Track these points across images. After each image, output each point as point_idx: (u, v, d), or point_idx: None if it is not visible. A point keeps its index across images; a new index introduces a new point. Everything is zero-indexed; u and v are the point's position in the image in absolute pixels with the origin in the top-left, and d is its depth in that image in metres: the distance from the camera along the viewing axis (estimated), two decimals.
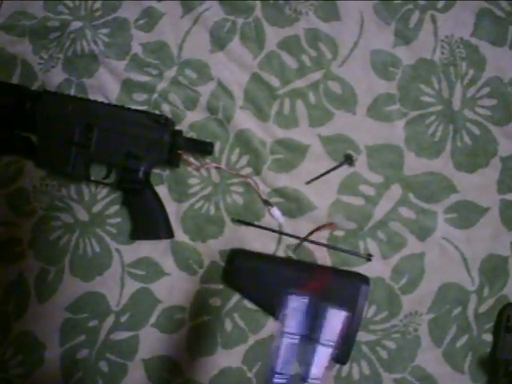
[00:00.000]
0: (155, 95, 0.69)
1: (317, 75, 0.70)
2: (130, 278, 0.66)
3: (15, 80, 0.69)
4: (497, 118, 0.68)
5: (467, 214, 0.67)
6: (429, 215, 0.67)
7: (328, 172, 0.67)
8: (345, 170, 0.67)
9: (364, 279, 0.64)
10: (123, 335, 0.66)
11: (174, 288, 0.66)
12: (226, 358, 0.65)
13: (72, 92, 0.69)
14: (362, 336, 0.66)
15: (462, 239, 0.67)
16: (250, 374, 0.65)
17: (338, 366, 0.65)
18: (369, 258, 0.66)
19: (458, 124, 0.68)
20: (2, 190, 0.67)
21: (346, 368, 0.66)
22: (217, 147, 0.68)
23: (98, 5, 0.72)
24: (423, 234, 0.67)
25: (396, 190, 0.67)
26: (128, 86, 0.69)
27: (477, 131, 0.68)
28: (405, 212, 0.67)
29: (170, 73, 0.69)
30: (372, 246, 0.67)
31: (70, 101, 0.66)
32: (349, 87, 0.69)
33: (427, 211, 0.67)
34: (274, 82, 0.69)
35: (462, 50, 0.69)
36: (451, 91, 0.69)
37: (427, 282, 0.66)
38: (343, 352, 0.62)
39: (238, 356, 0.65)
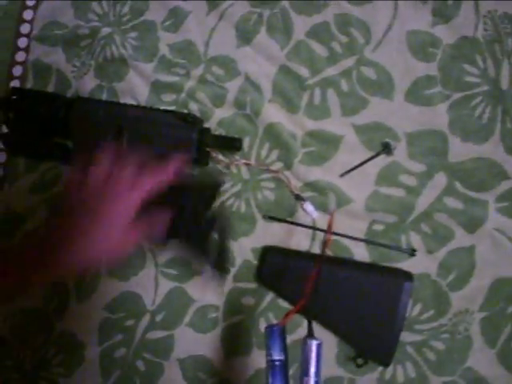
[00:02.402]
0: (183, 94, 0.68)
1: (349, 62, 0.66)
2: (163, 278, 0.66)
3: (50, 88, 0.72)
4: None
5: None
6: (478, 205, 0.62)
7: (364, 163, 0.64)
8: (383, 160, 0.64)
9: (407, 276, 0.60)
10: (159, 334, 0.66)
11: (207, 287, 0.66)
12: (262, 359, 0.64)
13: (104, 97, 0.72)
14: (406, 336, 0.61)
15: None
16: None
17: (380, 368, 0.62)
18: (412, 252, 0.62)
19: (507, 104, 0.63)
20: (42, 195, 0.72)
21: (389, 370, 0.62)
22: (246, 143, 0.66)
23: (125, 9, 0.73)
24: (472, 225, 0.62)
25: (441, 179, 0.63)
26: (156, 87, 0.69)
27: None
28: (451, 202, 0.62)
29: (197, 71, 0.69)
30: (415, 240, 0.63)
31: (100, 105, 0.68)
32: (384, 72, 0.65)
33: (476, 200, 0.62)
34: (304, 72, 0.67)
35: (506, 25, 0.64)
36: (498, 69, 0.63)
37: (478, 277, 0.61)
38: (385, 353, 0.59)
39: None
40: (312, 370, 0.46)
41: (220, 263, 0.60)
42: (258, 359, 0.64)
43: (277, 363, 0.47)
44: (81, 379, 0.67)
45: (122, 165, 0.49)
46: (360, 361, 0.61)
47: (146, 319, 0.67)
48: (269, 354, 0.47)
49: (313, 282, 0.55)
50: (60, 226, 0.46)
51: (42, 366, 0.67)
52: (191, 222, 0.56)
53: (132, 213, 0.47)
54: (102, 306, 0.68)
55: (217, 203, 0.63)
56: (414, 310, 0.62)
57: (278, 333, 0.48)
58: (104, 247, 0.46)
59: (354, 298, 0.61)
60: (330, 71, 0.68)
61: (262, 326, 0.65)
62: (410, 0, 0.67)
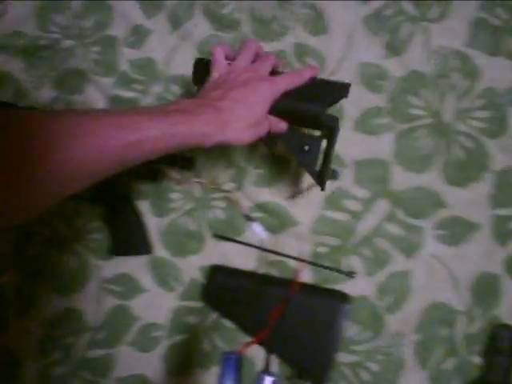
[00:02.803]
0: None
1: None
2: (106, 295, 0.66)
3: (8, 98, 0.71)
4: (491, 130, 0.65)
5: (457, 231, 0.64)
6: (416, 231, 0.65)
7: (311, 187, 0.66)
8: (330, 185, 0.66)
9: (345, 298, 0.62)
10: (99, 353, 0.65)
11: (151, 305, 0.66)
12: (205, 379, 0.64)
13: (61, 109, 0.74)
14: (343, 357, 0.63)
15: (452, 256, 0.64)
16: None
17: None
18: (352, 275, 0.64)
19: (449, 137, 0.66)
20: None
21: None
22: (199, 161, 0.67)
23: (88, 24, 0.76)
24: (410, 250, 0.65)
25: (383, 206, 0.65)
26: (115, 102, 0.69)
27: (469, 144, 0.65)
28: (391, 228, 0.65)
29: (156, 88, 0.70)
30: (356, 263, 0.65)
31: None
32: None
33: (415, 227, 0.65)
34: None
35: (455, 60, 0.68)
36: (442, 103, 0.67)
37: (414, 301, 0.63)
38: (320, 374, 0.60)
39: (217, 376, 0.66)
40: None
41: (321, 176, 0.58)
42: (200, 379, 0.65)
43: None
44: None
45: (258, 63, 0.53)
46: (297, 381, 0.62)
47: (86, 337, 0.67)
48: (220, 383, 0.45)
49: (278, 314, 0.55)
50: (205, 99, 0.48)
51: None
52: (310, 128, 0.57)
53: (266, 106, 0.50)
54: (41, 321, 0.67)
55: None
56: (351, 330, 0.64)
57: (234, 362, 0.45)
58: (242, 125, 0.48)
59: (294, 319, 0.63)
60: None
61: (207, 345, 0.66)
62: (364, 32, 0.70)
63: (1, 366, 0.66)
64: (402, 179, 0.67)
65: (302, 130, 0.60)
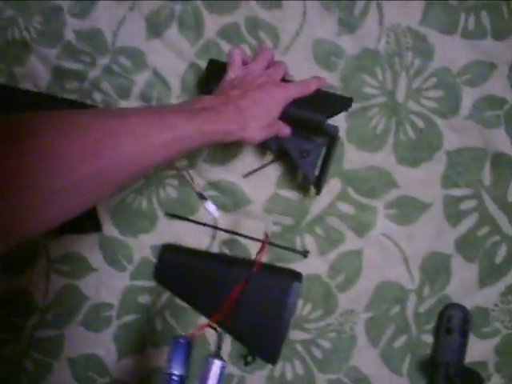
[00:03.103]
0: (86, 83, 0.65)
1: None
2: (55, 274, 0.63)
3: None
4: (443, 110, 0.65)
5: (408, 210, 0.64)
6: (368, 211, 0.64)
7: (266, 165, 0.64)
8: (284, 164, 0.65)
9: (296, 276, 0.62)
10: (48, 333, 0.63)
11: (101, 284, 0.63)
12: (156, 358, 0.62)
13: (2, 81, 0.68)
14: (296, 335, 0.63)
15: (403, 236, 0.64)
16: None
17: (270, 365, 0.63)
18: (305, 254, 0.63)
19: (401, 116, 0.65)
20: None
21: (278, 368, 0.63)
22: None
23: None
24: (362, 229, 0.64)
25: (335, 185, 0.64)
26: (59, 73, 0.65)
27: (421, 124, 0.65)
28: (343, 207, 0.64)
29: (103, 60, 0.65)
30: (309, 242, 0.64)
31: None
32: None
33: (367, 206, 0.64)
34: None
35: (408, 39, 0.66)
36: (395, 82, 0.65)
37: (365, 279, 0.64)
38: (272, 351, 0.60)
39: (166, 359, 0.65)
40: None
41: (319, 181, 0.60)
42: (152, 359, 0.63)
43: (175, 378, 0.43)
44: None
45: (272, 70, 0.56)
46: (249, 359, 0.62)
47: (35, 317, 0.64)
48: (169, 367, 0.43)
49: (234, 298, 0.53)
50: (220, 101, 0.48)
51: None
52: (311, 135, 0.60)
53: (279, 109, 0.53)
54: None
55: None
56: (304, 309, 0.64)
57: (183, 346, 0.44)
58: (259, 125, 0.50)
59: (247, 297, 0.62)
60: None
61: (158, 325, 0.64)
62: (318, 8, 0.68)
63: None
64: (354, 158, 0.66)
65: (304, 136, 0.61)
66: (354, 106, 0.66)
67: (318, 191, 0.61)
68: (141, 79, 0.67)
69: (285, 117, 0.55)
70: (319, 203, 0.65)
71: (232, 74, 0.54)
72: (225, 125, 0.46)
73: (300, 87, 0.56)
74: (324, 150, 0.61)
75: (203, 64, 0.67)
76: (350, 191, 0.65)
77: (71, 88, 0.67)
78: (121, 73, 0.67)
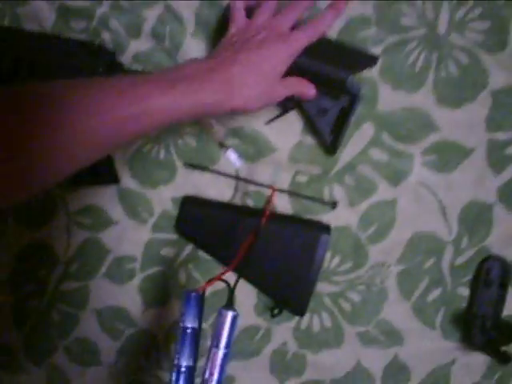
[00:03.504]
0: (94, 22, 0.58)
1: None
2: (76, 227, 0.60)
3: None
4: (489, 44, 0.56)
5: (448, 156, 0.58)
6: (404, 157, 0.58)
7: (289, 111, 0.57)
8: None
9: (324, 228, 0.57)
10: (73, 285, 0.61)
11: (123, 237, 0.60)
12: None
13: (6, 23, 0.62)
14: (323, 287, 0.60)
15: (441, 184, 0.58)
16: (204, 325, 0.61)
17: (297, 318, 0.60)
18: (334, 205, 0.59)
19: (443, 51, 0.56)
20: None
21: (305, 320, 0.60)
22: None
23: None
24: (396, 178, 0.58)
25: (368, 129, 0.58)
26: (64, 12, 0.58)
27: (465, 60, 0.56)
28: (376, 154, 0.58)
29: None
30: (338, 192, 0.59)
31: None
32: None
33: (402, 153, 0.58)
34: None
35: None
36: (437, 12, 0.56)
37: (398, 231, 0.59)
38: (300, 304, 0.57)
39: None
40: (223, 341, 0.42)
41: (335, 142, 0.56)
42: (177, 310, 0.62)
43: (188, 331, 0.43)
44: None
45: (279, 18, 0.48)
46: (276, 311, 0.59)
47: (59, 270, 0.62)
48: (182, 320, 0.44)
49: (246, 249, 0.50)
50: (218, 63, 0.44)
51: None
52: (330, 92, 0.55)
53: (282, 69, 0.46)
54: (11, 254, 0.62)
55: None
56: (332, 261, 0.60)
57: (195, 300, 0.44)
58: (252, 93, 0.44)
59: (273, 250, 0.58)
60: None
61: (182, 277, 0.62)
62: None
63: None
64: (389, 99, 0.58)
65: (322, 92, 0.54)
66: (391, 39, 0.58)
67: (333, 152, 0.57)
68: (152, 15, 0.59)
69: (300, 70, 0.50)
70: (349, 150, 0.59)
71: (233, 28, 0.48)
72: (207, 95, 0.41)
73: (312, 31, 0.47)
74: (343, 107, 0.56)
75: None
76: (384, 136, 0.59)
77: (78, 28, 0.60)
78: (130, 9, 0.60)
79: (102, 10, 0.60)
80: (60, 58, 0.55)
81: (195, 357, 0.43)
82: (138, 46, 0.60)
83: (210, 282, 0.46)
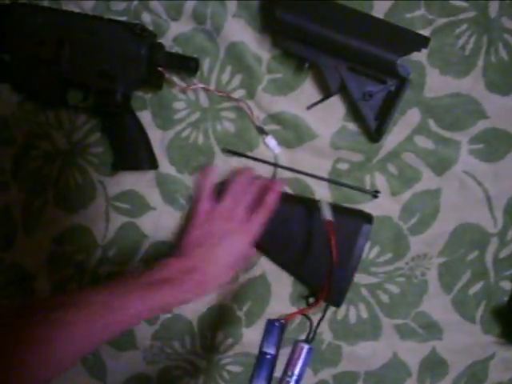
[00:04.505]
0: (135, 3, 0.54)
1: None
2: (114, 212, 0.57)
3: None
4: None
5: (497, 145, 0.53)
6: (450, 145, 0.53)
7: (331, 96, 0.53)
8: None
9: (366, 218, 0.53)
10: (111, 269, 0.59)
11: (160, 223, 0.57)
12: (216, 296, 0.58)
13: (45, 3, 0.59)
14: (361, 278, 0.56)
15: (488, 174, 0.53)
16: (239, 313, 0.57)
17: (333, 308, 0.56)
18: (375, 194, 0.54)
19: (493, 35, 0.51)
20: None
21: (342, 310, 0.57)
22: (205, 65, 0.54)
23: None
24: (441, 167, 0.54)
25: (413, 116, 0.53)
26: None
27: None
28: (422, 141, 0.53)
29: None
30: (380, 181, 0.54)
31: (39, 12, 0.55)
32: None
33: (449, 140, 0.53)
34: None
35: None
36: None
37: (441, 221, 0.54)
38: (337, 294, 0.53)
39: (228, 294, 0.58)
40: (296, 371, 0.43)
41: (380, 128, 0.53)
42: (211, 296, 0.58)
43: (268, 356, 0.46)
44: None
45: (241, 203, 0.52)
46: (311, 300, 0.55)
47: (97, 253, 0.60)
48: (262, 346, 0.46)
49: (335, 243, 0.48)
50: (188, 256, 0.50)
51: None
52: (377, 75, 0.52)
53: (248, 247, 0.52)
54: (50, 238, 0.59)
55: None
56: (371, 252, 0.56)
57: (278, 329, 0.47)
58: (227, 278, 0.51)
59: (311, 238, 0.54)
60: None
61: None
62: None
63: (14, 282, 0.61)
64: (436, 84, 0.54)
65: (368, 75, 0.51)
66: (440, 21, 0.53)
67: (378, 139, 0.52)
68: None
69: (346, 50, 0.49)
70: (394, 138, 0.54)
71: (201, 210, 0.53)
72: (183, 296, 0.47)
73: (264, 215, 0.52)
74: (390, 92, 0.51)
75: None
76: (431, 123, 0.54)
77: (118, 9, 0.56)
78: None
79: None
80: (102, 40, 0.52)
81: (270, 381, 0.45)
82: (179, 27, 0.56)
83: (292, 315, 0.51)
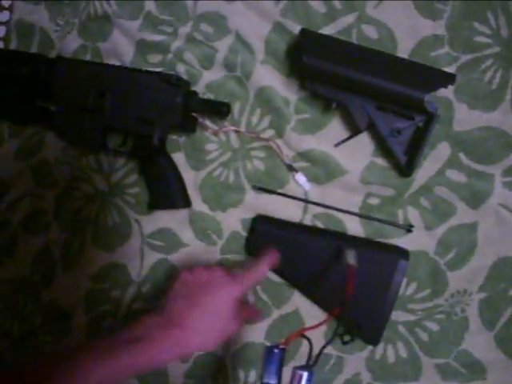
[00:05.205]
0: (170, 55, 0.56)
1: (349, 19, 0.54)
2: (149, 249, 0.57)
3: (34, 49, 0.59)
4: None
5: None
6: (483, 178, 0.51)
7: (363, 131, 0.52)
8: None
9: (402, 253, 0.51)
10: (145, 305, 0.58)
11: (193, 259, 0.56)
12: (248, 333, 0.55)
13: (88, 57, 0.60)
14: (399, 316, 0.52)
15: None
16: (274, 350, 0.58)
17: (370, 347, 0.53)
18: (409, 228, 0.52)
19: None
20: (26, 161, 0.59)
21: (379, 350, 0.53)
22: (236, 108, 0.55)
23: None
24: (476, 200, 0.51)
25: (444, 150, 0.52)
26: (142, 47, 0.57)
27: None
28: (454, 175, 0.52)
29: (185, 29, 0.56)
30: (413, 215, 0.52)
31: (82, 66, 0.58)
32: (387, 30, 0.53)
33: (481, 174, 0.51)
34: (299, 30, 0.57)
35: None
36: (511, 29, 0.51)
37: (480, 256, 0.51)
38: (374, 332, 0.50)
39: (260, 331, 0.55)
40: None
41: (410, 163, 0.52)
42: (244, 333, 0.56)
43: None
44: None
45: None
46: (347, 337, 0.52)
47: (132, 290, 0.59)
48: (262, 376, 0.41)
49: (352, 288, 0.46)
50: (168, 322, 0.43)
51: (29, 334, 0.60)
52: (405, 111, 0.52)
53: (231, 309, 0.44)
54: (88, 275, 0.59)
55: None
56: (408, 288, 0.53)
57: (277, 356, 0.42)
58: (209, 337, 0.43)
59: (345, 273, 0.52)
60: (328, 29, 0.55)
61: (250, 298, 0.57)
62: None
63: (52, 320, 0.60)
64: (465, 118, 0.52)
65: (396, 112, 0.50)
66: (464, 57, 0.53)
67: (409, 174, 0.51)
68: (223, 45, 0.57)
69: (374, 90, 0.47)
70: (425, 172, 0.53)
71: (178, 283, 0.46)
72: (162, 353, 0.41)
73: (252, 277, 0.45)
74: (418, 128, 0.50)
75: (288, 23, 0.56)
76: (462, 156, 0.52)
77: (155, 61, 0.58)
78: (203, 41, 0.57)
79: (177, 43, 0.58)
80: (141, 90, 0.54)
81: None
82: (211, 75, 0.57)
83: (290, 337, 0.43)
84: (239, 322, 0.45)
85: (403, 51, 0.53)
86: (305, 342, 0.46)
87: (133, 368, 0.40)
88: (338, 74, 0.50)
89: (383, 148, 0.53)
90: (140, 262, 0.58)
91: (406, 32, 0.54)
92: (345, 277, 0.48)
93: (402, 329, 0.53)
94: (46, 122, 0.60)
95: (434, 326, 0.53)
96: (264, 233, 0.54)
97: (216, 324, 0.43)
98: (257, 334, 0.56)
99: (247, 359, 0.56)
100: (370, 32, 0.55)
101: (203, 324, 0.42)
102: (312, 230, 0.54)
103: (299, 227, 0.54)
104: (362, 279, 0.51)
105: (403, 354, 0.53)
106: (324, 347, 0.42)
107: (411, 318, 0.53)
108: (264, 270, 0.47)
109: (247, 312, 0.49)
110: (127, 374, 0.40)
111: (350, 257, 0.47)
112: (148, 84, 0.54)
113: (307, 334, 0.45)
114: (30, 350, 0.60)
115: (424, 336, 0.53)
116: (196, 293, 0.43)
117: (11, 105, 0.60)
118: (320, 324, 0.46)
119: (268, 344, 0.47)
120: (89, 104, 0.55)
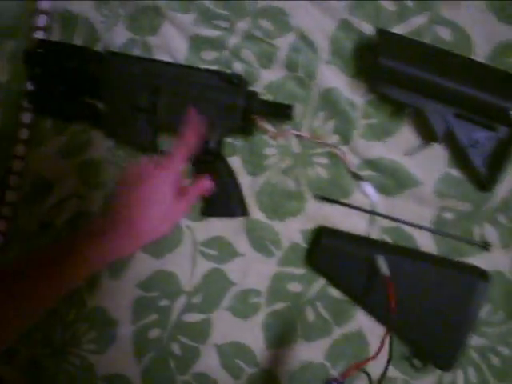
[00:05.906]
0: (226, 52, 0.51)
1: (421, 19, 0.48)
2: (201, 258, 0.52)
3: (78, 41, 0.55)
4: None
5: None
6: None
7: (438, 142, 0.48)
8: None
9: (482, 274, 0.46)
10: (195, 317, 0.53)
11: (248, 270, 0.52)
12: (308, 352, 0.51)
13: (137, 52, 0.56)
14: (471, 339, 0.48)
15: None
16: (334, 372, 0.50)
17: (438, 371, 0.49)
18: (486, 246, 0.47)
19: None
20: (72, 160, 0.55)
21: (448, 375, 0.49)
22: (297, 111, 0.50)
23: None
24: None
25: None
26: (196, 42, 0.51)
27: None
28: None
29: (243, 25, 0.51)
30: (490, 232, 0.48)
31: (134, 62, 0.52)
32: (462, 33, 0.48)
33: None
34: (367, 28, 0.49)
35: None
36: None
37: None
38: (448, 357, 0.46)
39: (320, 350, 0.51)
40: None
41: (491, 178, 0.47)
42: (303, 352, 0.52)
43: None
44: (113, 357, 0.55)
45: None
46: (418, 364, 0.48)
47: (181, 300, 0.54)
48: None
49: (394, 300, 0.42)
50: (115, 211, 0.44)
51: (72, 342, 0.56)
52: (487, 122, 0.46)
53: (170, 192, 0.44)
54: (135, 283, 0.55)
55: None
56: (482, 310, 0.48)
57: None
58: (155, 224, 0.44)
59: (417, 293, 0.47)
60: (399, 29, 0.50)
61: (310, 315, 0.52)
62: None
63: (97, 327, 0.56)
64: None
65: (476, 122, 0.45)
66: None
67: (490, 188, 0.46)
68: (284, 44, 0.51)
69: (451, 96, 0.43)
70: (505, 186, 0.47)
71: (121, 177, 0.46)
72: (112, 246, 0.42)
73: (179, 153, 0.44)
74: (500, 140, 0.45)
75: (356, 21, 0.50)
76: None
77: (210, 58, 0.53)
78: (262, 38, 0.52)
79: (233, 40, 0.52)
80: (198, 89, 0.49)
81: None
82: (270, 75, 0.52)
83: (347, 373, 0.40)
84: (185, 203, 0.46)
85: (478, 56, 0.48)
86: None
87: (93, 264, 0.42)
88: (416, 77, 0.45)
89: (460, 159, 0.47)
90: (191, 270, 0.54)
91: (483, 36, 0.48)
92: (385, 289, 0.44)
93: (473, 353, 0.49)
94: (93, 119, 0.55)
95: (507, 351, 0.48)
96: (329, 246, 0.49)
97: (159, 209, 0.44)
98: (315, 354, 0.51)
99: (304, 380, 0.51)
100: (445, 34, 0.49)
101: (147, 213, 0.43)
102: (382, 246, 0.48)
103: (366, 241, 0.49)
104: (434, 299, 0.46)
105: (473, 379, 0.49)
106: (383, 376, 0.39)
107: (484, 342, 0.48)
108: (189, 141, 0.45)
109: (191, 190, 0.47)
110: (85, 271, 0.42)
111: (382, 265, 0.42)
112: (207, 83, 0.49)
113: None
114: (73, 359, 0.55)
115: (496, 361, 0.48)
116: (133, 188, 0.44)
117: (57, 100, 0.55)
118: (377, 353, 0.42)
119: (328, 376, 0.42)
120: (141, 103, 0.50)
